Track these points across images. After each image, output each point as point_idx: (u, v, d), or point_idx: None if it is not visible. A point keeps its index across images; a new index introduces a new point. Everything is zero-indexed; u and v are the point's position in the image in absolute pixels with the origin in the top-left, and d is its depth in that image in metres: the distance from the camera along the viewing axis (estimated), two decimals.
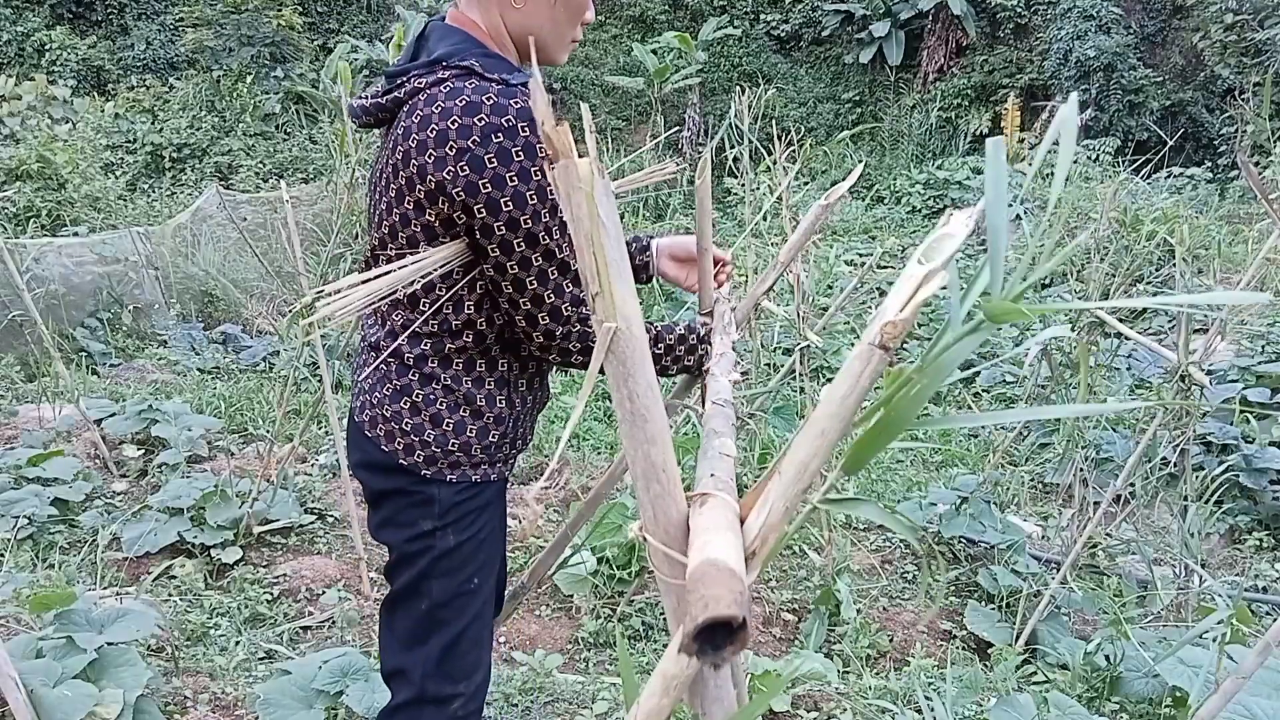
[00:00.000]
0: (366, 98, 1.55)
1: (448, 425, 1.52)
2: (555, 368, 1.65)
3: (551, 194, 1.41)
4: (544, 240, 1.41)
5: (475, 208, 1.39)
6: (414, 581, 1.57)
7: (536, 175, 1.39)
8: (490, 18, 1.50)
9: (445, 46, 1.47)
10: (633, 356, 0.52)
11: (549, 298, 1.44)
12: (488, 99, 1.37)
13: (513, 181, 1.38)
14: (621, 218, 1.97)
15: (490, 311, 1.50)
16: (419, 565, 1.55)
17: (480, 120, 1.36)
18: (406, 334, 1.52)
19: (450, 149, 1.37)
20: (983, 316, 0.61)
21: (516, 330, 1.49)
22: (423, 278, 1.45)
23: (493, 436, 1.56)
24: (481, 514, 1.58)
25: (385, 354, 1.55)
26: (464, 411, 1.53)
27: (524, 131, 1.38)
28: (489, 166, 1.37)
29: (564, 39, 1.55)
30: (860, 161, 14.24)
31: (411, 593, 1.58)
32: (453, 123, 1.37)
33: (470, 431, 1.53)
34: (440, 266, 1.45)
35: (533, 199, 1.39)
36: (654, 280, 1.87)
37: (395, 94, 1.48)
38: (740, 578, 0.47)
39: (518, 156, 1.37)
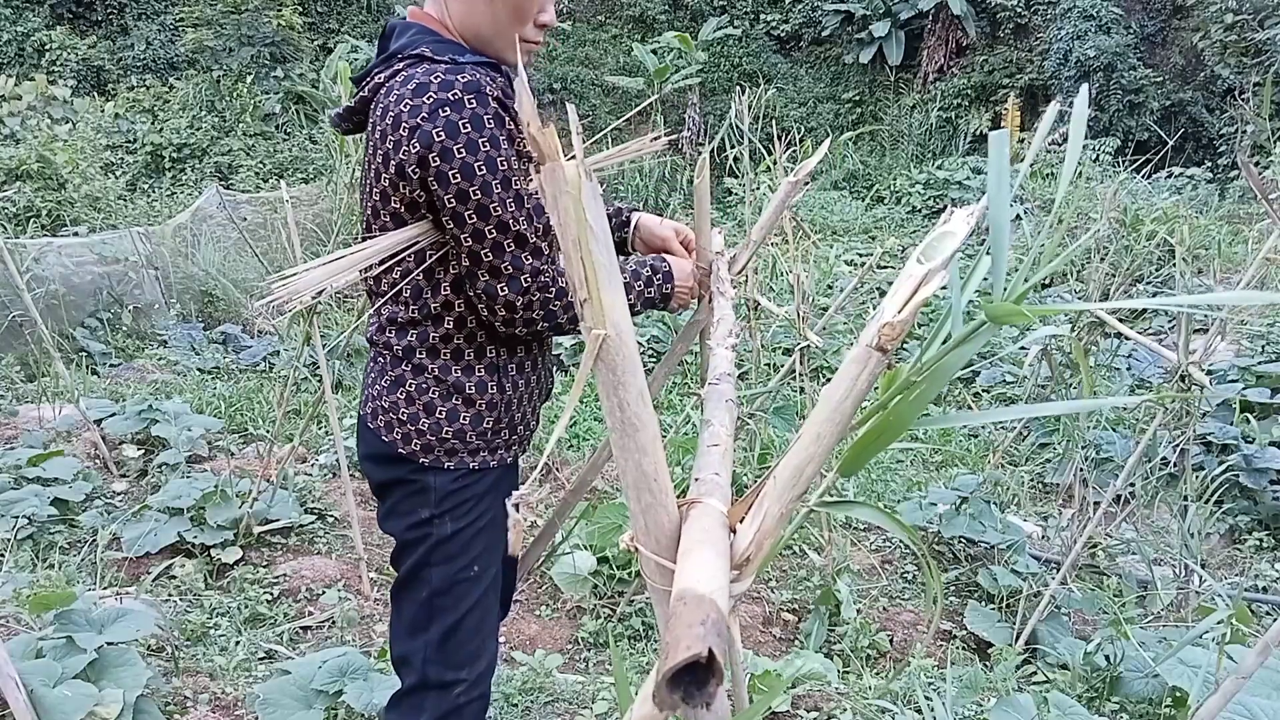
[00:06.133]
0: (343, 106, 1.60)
1: (440, 414, 1.54)
2: (537, 341, 1.64)
3: (503, 166, 1.42)
4: (495, 212, 1.42)
5: (429, 181, 1.42)
6: (414, 569, 1.59)
7: (485, 147, 1.40)
8: (439, 8, 1.55)
9: (401, 41, 1.52)
10: (622, 364, 0.52)
11: (505, 268, 1.45)
12: (435, 77, 1.41)
13: (460, 154, 1.39)
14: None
15: (467, 293, 1.52)
16: (418, 553, 1.58)
17: (428, 98, 1.39)
18: (394, 326, 1.55)
19: (404, 130, 1.41)
20: (984, 318, 0.60)
21: (480, 306, 1.50)
22: (392, 259, 1.48)
23: (487, 423, 1.58)
24: (480, 501, 1.59)
25: (380, 346, 1.59)
26: (455, 400, 1.55)
27: (470, 104, 1.39)
28: (436, 140, 1.39)
29: (508, 37, 1.53)
30: (860, 161, 14.12)
31: (413, 580, 1.60)
32: (405, 105, 1.41)
33: (463, 419, 1.55)
34: (405, 248, 1.48)
35: (481, 170, 1.40)
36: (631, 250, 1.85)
37: (363, 94, 1.53)
38: (713, 602, 0.46)
39: (464, 129, 1.39)
